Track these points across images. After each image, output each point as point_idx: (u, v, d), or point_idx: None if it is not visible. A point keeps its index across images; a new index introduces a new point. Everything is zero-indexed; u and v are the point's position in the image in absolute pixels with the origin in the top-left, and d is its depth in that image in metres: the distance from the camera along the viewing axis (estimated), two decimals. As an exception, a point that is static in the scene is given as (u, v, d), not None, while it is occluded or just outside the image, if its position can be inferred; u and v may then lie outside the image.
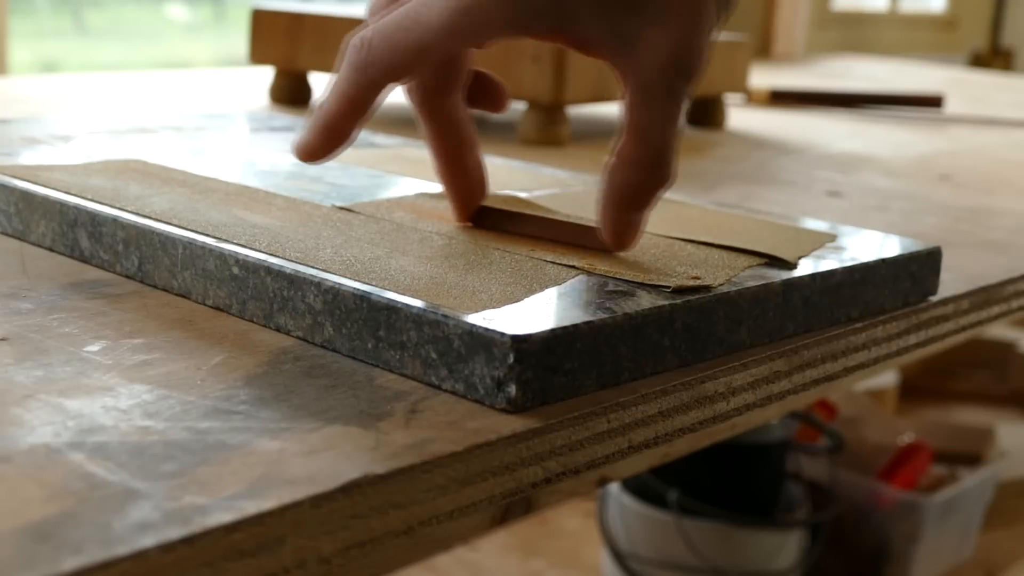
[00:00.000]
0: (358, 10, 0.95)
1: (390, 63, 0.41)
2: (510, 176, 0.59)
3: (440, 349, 0.36)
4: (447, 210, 0.50)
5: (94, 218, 0.46)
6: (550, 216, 0.49)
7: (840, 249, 0.49)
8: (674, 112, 0.42)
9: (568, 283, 0.41)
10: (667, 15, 0.41)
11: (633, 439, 0.38)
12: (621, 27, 0.41)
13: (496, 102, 0.48)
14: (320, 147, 0.43)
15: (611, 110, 1.09)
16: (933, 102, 1.29)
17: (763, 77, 1.51)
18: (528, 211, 0.49)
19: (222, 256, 0.42)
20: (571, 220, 0.48)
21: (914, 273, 0.50)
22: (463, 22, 0.41)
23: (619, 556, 1.19)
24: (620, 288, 0.41)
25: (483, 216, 0.49)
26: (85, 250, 0.47)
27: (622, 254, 0.45)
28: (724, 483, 1.16)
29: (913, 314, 0.50)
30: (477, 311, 0.37)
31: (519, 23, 0.42)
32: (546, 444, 0.35)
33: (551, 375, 0.36)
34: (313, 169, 0.57)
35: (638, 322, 0.38)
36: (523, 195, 0.54)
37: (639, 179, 0.43)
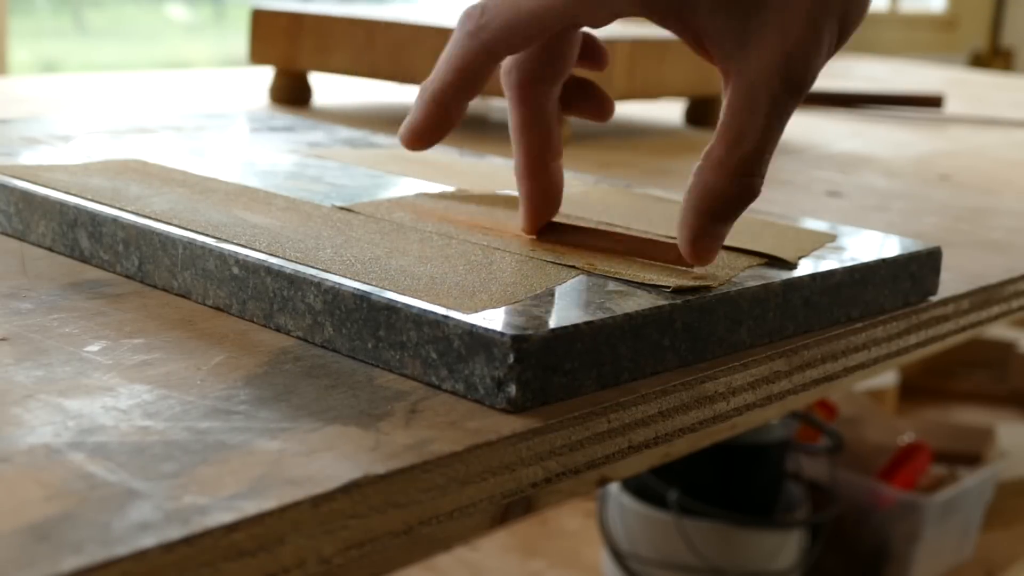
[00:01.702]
0: (358, 10, 0.96)
1: (506, 27, 0.40)
2: (511, 176, 0.59)
3: (440, 349, 0.36)
4: (447, 210, 0.50)
5: (94, 218, 0.46)
6: (622, 231, 0.47)
7: (840, 249, 0.49)
8: (773, 123, 0.40)
9: (568, 283, 0.41)
10: (784, 22, 0.40)
11: (633, 439, 0.38)
12: (736, 25, 0.40)
13: (600, 108, 0.47)
14: (430, 126, 0.42)
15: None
16: (933, 102, 1.29)
17: (763, 77, 1.51)
18: (594, 227, 0.47)
19: (222, 256, 0.42)
20: (645, 235, 0.46)
21: (914, 273, 0.50)
22: None
23: (619, 556, 1.19)
24: (620, 288, 0.41)
25: (548, 230, 0.47)
26: (85, 250, 0.47)
27: (622, 254, 0.45)
28: (724, 483, 1.16)
29: (913, 314, 0.50)
30: (477, 311, 0.37)
31: (636, 8, 0.41)
32: (546, 444, 0.35)
33: (551, 375, 0.36)
34: (313, 169, 0.57)
35: (638, 322, 0.38)
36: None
37: (725, 186, 0.41)
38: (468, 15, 0.41)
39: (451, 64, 0.41)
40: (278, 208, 0.49)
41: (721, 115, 0.41)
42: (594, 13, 0.41)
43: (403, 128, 0.42)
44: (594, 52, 0.47)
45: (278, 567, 0.28)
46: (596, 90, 0.47)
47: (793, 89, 0.40)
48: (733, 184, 0.41)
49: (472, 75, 0.41)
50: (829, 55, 0.41)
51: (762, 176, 0.41)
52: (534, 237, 0.47)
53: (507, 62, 0.45)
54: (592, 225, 0.48)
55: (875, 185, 0.82)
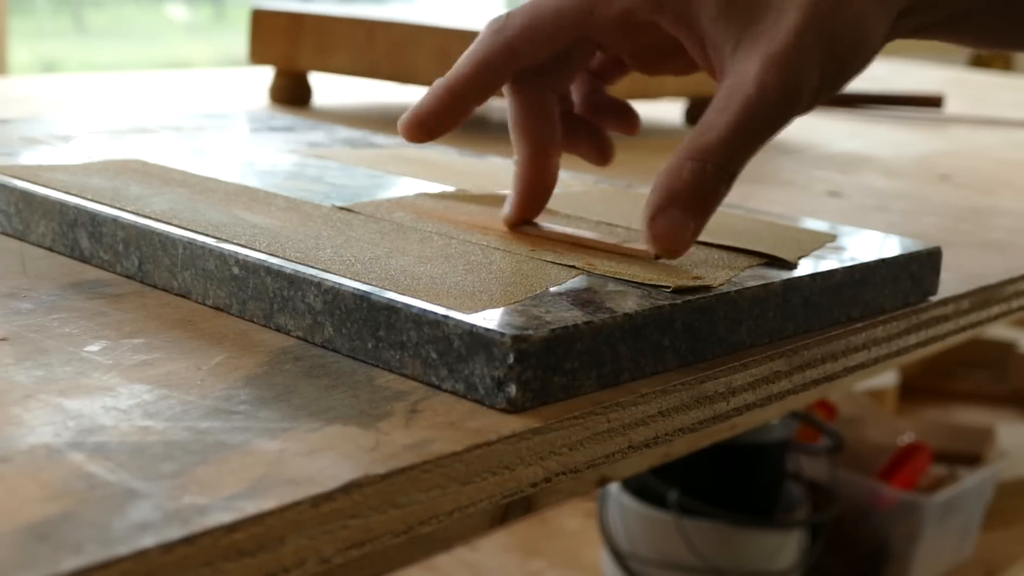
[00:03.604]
0: (358, 10, 0.96)
1: (527, 26, 0.42)
2: (510, 176, 0.59)
3: (440, 349, 0.36)
4: (447, 210, 0.50)
5: (94, 218, 0.46)
6: (597, 239, 0.47)
7: (840, 249, 0.49)
8: (744, 124, 0.41)
9: (568, 283, 0.41)
10: (773, 34, 0.41)
11: (633, 439, 0.38)
12: (735, 34, 0.42)
13: (629, 122, 0.50)
14: (440, 114, 0.42)
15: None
16: (933, 102, 1.29)
17: (763, 77, 1.51)
18: (572, 231, 0.48)
19: (222, 256, 0.42)
20: (619, 245, 0.46)
21: (914, 273, 0.50)
22: None
23: (619, 556, 1.19)
24: (620, 288, 0.41)
25: (525, 225, 0.48)
26: (85, 250, 0.47)
27: (621, 254, 0.45)
28: (724, 483, 1.16)
29: (913, 314, 0.50)
30: (477, 311, 0.37)
31: (649, 5, 0.42)
32: (546, 444, 0.35)
33: (551, 375, 0.36)
34: (313, 169, 0.57)
35: (638, 322, 0.38)
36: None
37: (687, 168, 0.41)
38: (493, 19, 0.43)
39: (472, 57, 0.42)
40: (278, 208, 0.49)
41: (706, 111, 0.42)
42: (607, 14, 0.42)
43: (407, 116, 0.43)
44: (627, 116, 0.50)
45: (278, 567, 0.28)
46: (626, 106, 0.49)
47: (769, 97, 0.41)
48: (691, 167, 0.41)
49: (490, 70, 0.42)
50: (822, 85, 0.42)
51: (721, 167, 0.41)
52: (508, 228, 0.47)
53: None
54: (571, 227, 0.48)
55: (875, 185, 0.82)
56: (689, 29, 0.43)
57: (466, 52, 0.43)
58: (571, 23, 0.42)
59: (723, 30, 0.42)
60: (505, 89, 0.46)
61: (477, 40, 0.43)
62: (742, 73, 0.41)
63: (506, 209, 0.48)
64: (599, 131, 0.49)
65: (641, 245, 0.45)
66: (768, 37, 0.41)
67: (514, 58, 0.42)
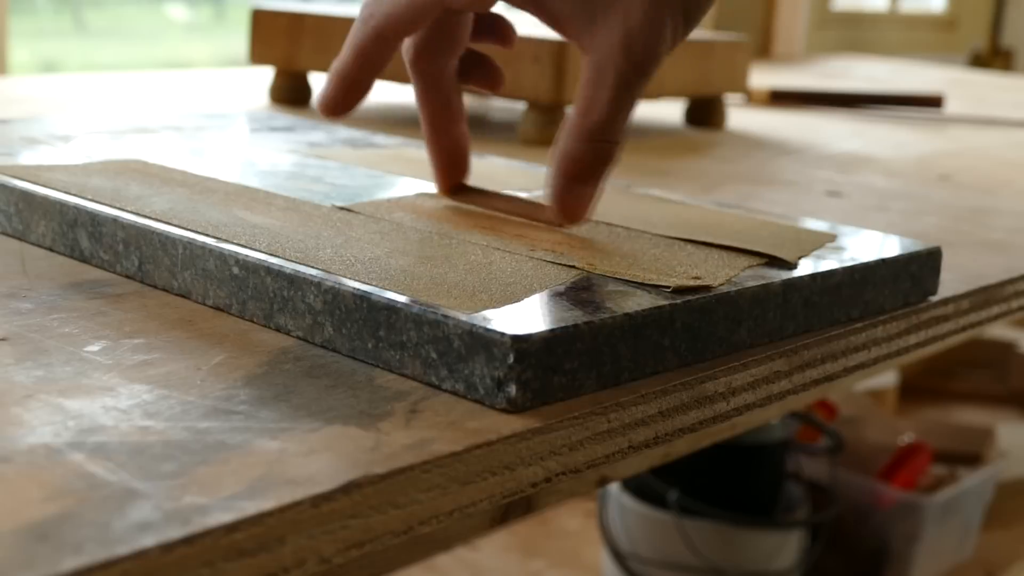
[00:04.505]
0: (358, 10, 0.95)
1: (390, 14, 0.46)
2: (510, 176, 0.59)
3: (440, 349, 0.36)
4: (447, 210, 0.50)
5: (94, 218, 0.46)
6: (515, 195, 0.52)
7: (840, 249, 0.49)
8: (620, 94, 0.44)
9: (568, 283, 0.41)
10: (627, 6, 0.44)
11: (633, 439, 0.38)
12: (584, 7, 0.45)
13: (492, 78, 0.52)
14: (338, 99, 0.47)
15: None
16: (933, 102, 1.29)
17: (763, 77, 1.51)
18: (498, 191, 0.52)
19: (222, 256, 0.42)
20: (533, 199, 0.51)
21: (914, 273, 0.50)
22: None
23: (619, 556, 1.19)
24: (620, 288, 0.41)
25: (459, 191, 0.52)
26: (85, 250, 0.47)
27: (621, 254, 0.45)
28: (724, 483, 1.16)
29: (913, 314, 0.50)
30: (477, 311, 0.37)
31: None
32: (546, 444, 0.35)
33: (551, 375, 0.36)
34: (313, 169, 0.57)
35: (638, 322, 0.38)
36: (524, 195, 0.54)
37: (577, 148, 0.45)
38: (364, 4, 0.47)
39: (349, 47, 0.47)
40: (278, 208, 0.49)
41: (578, 87, 0.45)
42: None
43: (318, 100, 0.48)
44: (502, 30, 0.52)
45: (278, 567, 0.28)
46: (489, 62, 0.52)
47: (636, 67, 0.44)
48: (585, 148, 0.45)
49: (367, 56, 0.47)
50: (675, 41, 0.46)
51: (616, 142, 0.45)
52: (447, 195, 0.52)
53: (406, 40, 0.50)
54: (492, 202, 0.52)
55: (875, 185, 0.82)
56: (538, 8, 0.46)
57: (347, 39, 0.47)
58: (428, 7, 0.46)
59: (572, 4, 0.45)
60: (407, 66, 0.51)
61: (352, 28, 0.47)
62: (607, 47, 0.44)
63: (434, 184, 0.53)
64: (484, 60, 0.52)
65: (546, 213, 0.48)
66: (621, 10, 0.44)
67: (386, 44, 0.47)
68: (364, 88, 0.47)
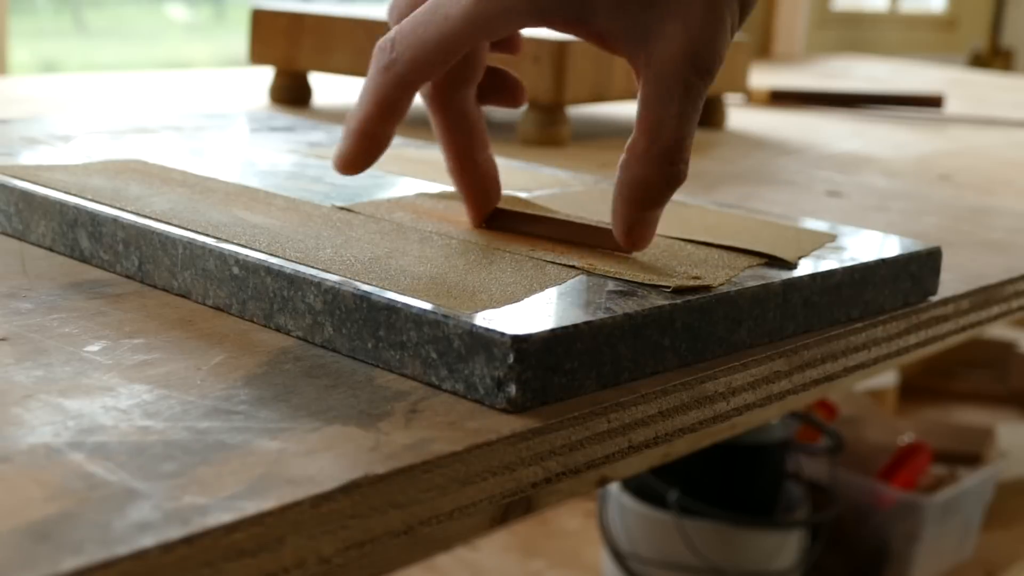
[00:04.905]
0: (358, 10, 0.96)
1: (415, 59, 0.42)
2: (510, 176, 0.59)
3: (440, 349, 0.36)
4: (447, 210, 0.50)
5: (94, 218, 0.46)
6: (564, 218, 0.49)
7: (840, 249, 0.49)
8: (688, 109, 0.41)
9: (568, 283, 0.41)
10: (684, 10, 0.41)
11: (633, 439, 0.38)
12: (637, 20, 0.42)
13: (513, 96, 0.49)
14: (358, 155, 0.43)
15: (611, 110, 1.09)
16: (933, 102, 1.29)
17: (763, 77, 1.51)
18: (539, 213, 0.49)
19: (222, 256, 0.42)
20: (585, 221, 0.48)
21: (914, 273, 0.50)
22: (485, 11, 0.41)
23: (619, 556, 1.19)
24: (620, 288, 0.41)
25: (495, 218, 0.48)
26: (85, 250, 0.47)
27: (622, 254, 0.45)
28: (724, 483, 1.16)
29: (913, 314, 0.50)
30: (477, 311, 0.37)
31: (539, 12, 0.42)
32: (546, 444, 0.35)
33: (551, 375, 0.36)
34: (313, 169, 0.57)
35: (638, 322, 0.38)
36: (524, 195, 0.54)
37: (650, 175, 0.42)
38: (380, 49, 0.42)
39: (370, 98, 0.43)
40: (278, 208, 0.49)
41: (637, 107, 0.42)
42: (494, 31, 0.42)
43: (335, 157, 0.44)
44: (510, 38, 0.48)
45: (278, 567, 0.28)
46: (509, 79, 0.49)
47: (703, 73, 0.42)
48: (658, 174, 0.42)
49: (391, 106, 0.42)
50: (733, 35, 0.43)
51: (686, 162, 0.42)
52: (483, 227, 0.48)
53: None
54: (540, 212, 0.49)
55: (875, 185, 0.82)
56: (585, 29, 0.43)
57: (364, 88, 0.43)
58: (458, 46, 0.42)
59: (622, 21, 0.42)
60: (425, 106, 0.47)
61: (370, 75, 0.42)
62: (668, 59, 0.41)
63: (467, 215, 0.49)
64: (502, 76, 0.49)
65: (605, 235, 0.45)
66: (679, 17, 0.41)
67: (410, 89, 0.42)
68: (386, 141, 0.43)
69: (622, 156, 0.43)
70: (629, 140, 0.42)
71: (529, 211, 0.49)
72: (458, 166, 0.48)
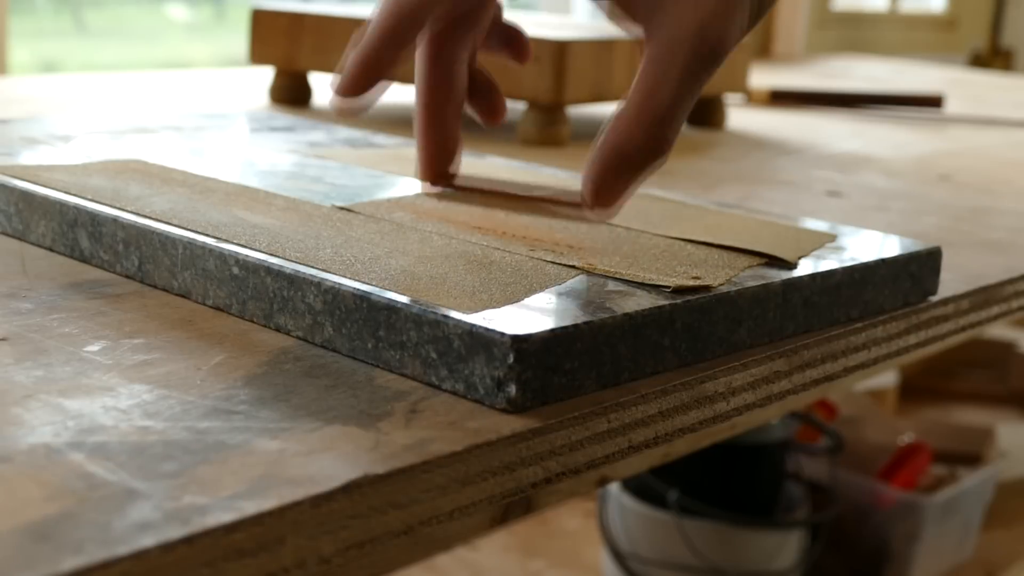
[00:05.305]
0: (358, 10, 0.96)
1: None
2: (510, 176, 0.59)
3: (440, 349, 0.36)
4: (447, 210, 0.50)
5: (94, 218, 0.46)
6: (524, 182, 0.49)
7: (840, 249, 0.49)
8: (686, 82, 0.41)
9: (568, 283, 0.41)
10: None
11: (633, 439, 0.38)
12: None
13: (520, 51, 0.49)
14: (356, 78, 0.44)
15: (611, 110, 1.09)
16: (933, 102, 1.29)
17: (763, 77, 1.51)
18: (501, 180, 0.49)
19: (222, 256, 0.42)
20: (548, 186, 0.48)
21: (914, 273, 0.50)
22: None
23: (619, 556, 1.19)
24: (620, 288, 0.41)
25: (450, 180, 0.48)
26: (85, 250, 0.47)
27: (621, 254, 0.45)
28: (724, 483, 1.16)
29: (913, 314, 0.50)
30: (477, 311, 0.37)
31: None
32: (546, 444, 0.35)
33: (551, 375, 0.36)
34: (313, 169, 0.57)
35: (638, 322, 0.38)
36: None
37: (635, 136, 0.42)
38: None
39: (376, 25, 0.43)
40: (278, 208, 0.49)
41: (636, 75, 0.42)
42: None
43: (333, 86, 0.45)
44: (518, 44, 0.49)
45: (278, 567, 0.28)
46: (520, 36, 0.49)
47: (706, 56, 0.41)
48: (643, 137, 0.41)
49: (394, 33, 0.43)
50: (742, 33, 0.43)
51: (673, 135, 0.42)
52: (431, 185, 0.48)
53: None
54: (496, 187, 0.49)
55: (875, 185, 0.82)
56: None
57: (370, 21, 0.44)
58: None
59: None
60: (417, 55, 0.47)
61: (377, 9, 0.43)
62: (677, 29, 0.41)
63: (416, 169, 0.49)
64: (492, 90, 0.49)
65: (569, 197, 0.45)
66: (697, 4, 0.41)
67: (413, 21, 0.43)
68: (386, 69, 0.43)
69: (607, 121, 0.43)
70: (617, 105, 0.42)
71: (491, 179, 0.49)
72: (426, 119, 0.47)
